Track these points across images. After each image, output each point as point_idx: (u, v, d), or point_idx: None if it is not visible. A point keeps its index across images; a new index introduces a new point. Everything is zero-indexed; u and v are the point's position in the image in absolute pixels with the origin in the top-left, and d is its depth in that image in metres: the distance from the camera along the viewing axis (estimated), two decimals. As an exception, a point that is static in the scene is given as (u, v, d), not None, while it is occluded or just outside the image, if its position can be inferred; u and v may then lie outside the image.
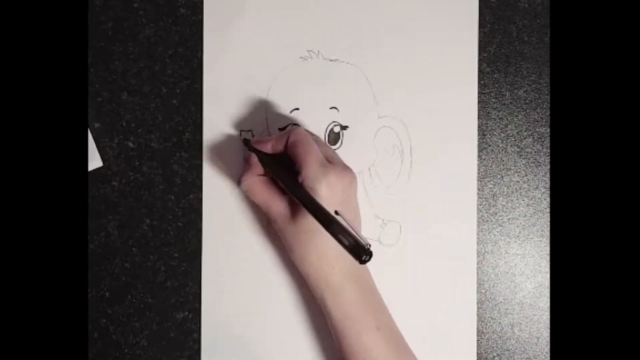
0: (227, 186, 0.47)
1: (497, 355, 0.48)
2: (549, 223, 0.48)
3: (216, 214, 0.47)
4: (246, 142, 0.45)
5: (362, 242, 0.35)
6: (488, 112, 0.48)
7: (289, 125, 0.47)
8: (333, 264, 0.42)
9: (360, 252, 0.35)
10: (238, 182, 0.44)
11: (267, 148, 0.44)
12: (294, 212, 0.42)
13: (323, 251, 0.41)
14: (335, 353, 0.44)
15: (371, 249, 0.35)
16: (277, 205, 0.43)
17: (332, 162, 0.42)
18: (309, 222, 0.40)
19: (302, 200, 0.39)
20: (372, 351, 0.41)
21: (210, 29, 0.48)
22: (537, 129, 0.48)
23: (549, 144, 0.48)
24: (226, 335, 0.47)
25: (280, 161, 0.43)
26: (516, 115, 0.48)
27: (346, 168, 0.42)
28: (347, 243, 0.35)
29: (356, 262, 0.37)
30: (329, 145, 0.47)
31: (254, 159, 0.44)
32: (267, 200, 0.43)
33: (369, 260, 0.34)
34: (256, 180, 0.43)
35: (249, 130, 0.47)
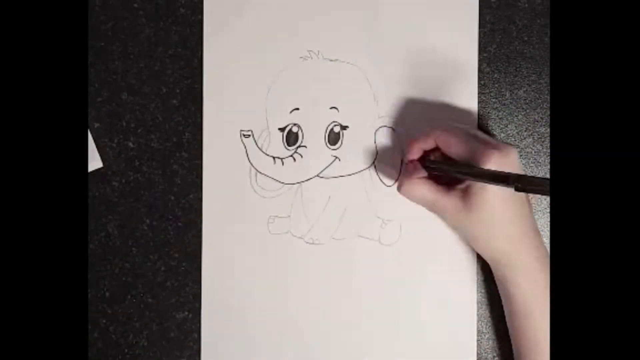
0: (227, 186, 0.47)
1: (497, 355, 0.48)
2: (549, 223, 0.48)
3: (216, 214, 0.47)
4: (410, 162, 0.45)
5: (541, 178, 0.35)
6: (488, 112, 0.48)
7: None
8: (518, 245, 0.42)
9: (543, 184, 0.35)
10: (399, 188, 0.45)
11: (419, 152, 0.44)
12: (467, 202, 0.41)
13: (509, 233, 0.41)
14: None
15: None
16: (445, 200, 0.43)
17: (490, 142, 0.42)
18: (485, 202, 0.40)
19: (480, 175, 0.39)
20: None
21: (210, 29, 0.48)
22: (537, 129, 0.48)
23: (549, 144, 0.48)
24: (226, 335, 0.47)
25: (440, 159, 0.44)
26: (516, 115, 0.48)
27: (508, 147, 0.41)
28: (538, 188, 0.35)
29: (539, 242, 0.41)
30: (478, 133, 0.45)
31: (414, 163, 0.45)
32: (432, 196, 0.43)
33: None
34: (416, 182, 0.44)
35: (248, 130, 0.47)
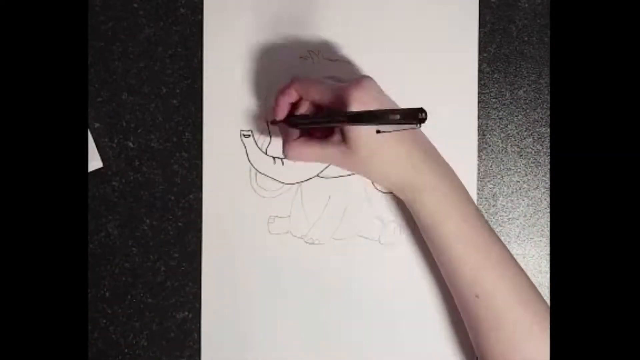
0: (227, 186, 0.47)
1: (497, 355, 0.48)
2: (549, 223, 0.48)
3: (216, 214, 0.47)
4: (273, 122, 0.45)
5: (411, 108, 0.35)
6: (488, 112, 0.48)
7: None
8: (410, 165, 0.42)
9: (415, 113, 0.34)
10: (285, 154, 0.43)
11: (285, 107, 0.44)
12: (348, 145, 0.41)
13: (395, 159, 0.42)
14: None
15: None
16: (328, 151, 0.42)
17: (345, 80, 0.42)
18: (365, 142, 0.40)
19: (342, 119, 0.39)
20: (459, 239, 0.42)
21: (210, 29, 0.48)
22: (537, 129, 0.48)
23: (549, 144, 0.48)
24: (226, 335, 0.47)
25: (306, 113, 0.44)
26: (516, 115, 0.48)
27: (363, 76, 0.42)
28: (398, 117, 0.35)
29: (436, 159, 0.42)
30: (331, 76, 0.45)
31: (284, 127, 0.44)
32: (317, 151, 0.42)
33: (425, 118, 0.34)
34: (297, 143, 0.43)
35: (248, 130, 0.47)
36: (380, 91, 0.42)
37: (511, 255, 0.43)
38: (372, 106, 0.40)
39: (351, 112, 0.39)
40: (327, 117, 0.41)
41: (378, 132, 0.37)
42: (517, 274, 0.42)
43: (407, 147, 0.42)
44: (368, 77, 0.42)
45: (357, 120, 0.37)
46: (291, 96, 0.43)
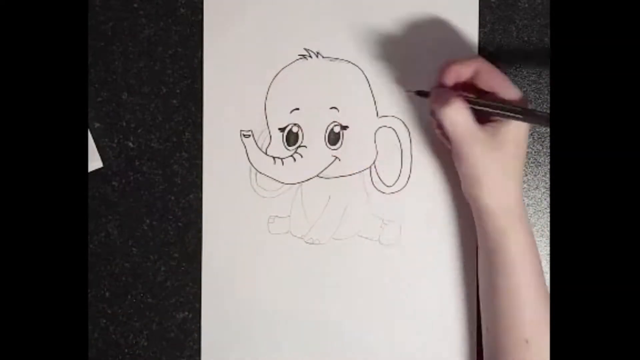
0: (227, 186, 0.47)
1: (497, 355, 0.48)
2: (549, 223, 0.48)
3: (216, 214, 0.47)
4: (421, 93, 0.44)
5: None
6: (488, 112, 0.48)
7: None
8: (519, 194, 0.42)
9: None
10: (439, 111, 0.41)
11: (453, 78, 0.43)
12: (498, 138, 0.41)
13: (520, 179, 0.42)
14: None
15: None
16: (480, 133, 0.41)
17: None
18: (516, 140, 0.41)
19: (514, 111, 0.41)
20: (532, 284, 0.41)
21: (210, 29, 0.48)
22: (537, 129, 0.48)
23: (549, 144, 0.48)
24: (226, 335, 0.47)
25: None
26: (516, 115, 0.48)
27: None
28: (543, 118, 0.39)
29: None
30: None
31: (445, 89, 0.43)
32: (470, 125, 0.41)
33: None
34: (459, 106, 0.41)
35: (248, 130, 0.47)
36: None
37: None
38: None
39: (535, 110, 0.41)
40: (503, 106, 0.41)
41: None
42: None
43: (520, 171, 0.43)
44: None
45: (530, 117, 0.40)
46: (468, 72, 0.42)
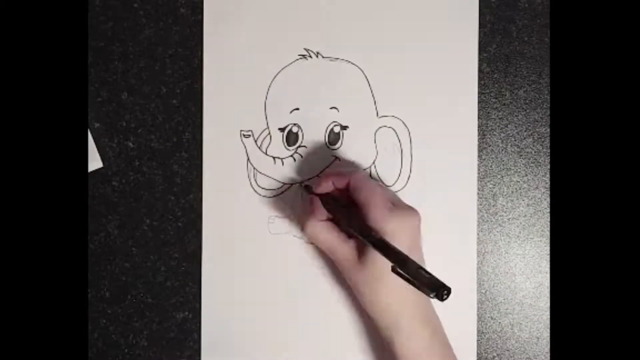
0: (227, 186, 0.47)
1: (497, 355, 0.48)
2: (549, 223, 0.48)
3: (216, 214, 0.47)
4: (307, 188, 0.46)
5: (439, 279, 0.34)
6: (488, 112, 0.48)
7: (333, 162, 0.47)
8: (404, 307, 0.41)
9: (440, 288, 0.33)
10: (301, 227, 0.43)
11: (328, 188, 0.43)
12: (361, 256, 0.41)
13: (394, 295, 0.41)
14: None
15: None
16: (343, 250, 0.42)
17: (395, 204, 0.42)
18: (378, 266, 0.40)
19: (372, 241, 0.38)
20: None
21: (210, 29, 0.48)
22: (537, 129, 0.48)
23: (549, 144, 0.48)
24: (226, 335, 0.47)
25: (343, 204, 0.43)
26: (516, 115, 0.48)
27: (411, 209, 0.42)
28: (425, 280, 0.34)
29: (425, 304, 0.39)
30: (388, 188, 0.46)
31: (318, 203, 0.43)
32: (332, 245, 0.42)
33: (447, 297, 0.33)
34: (321, 225, 0.43)
35: (248, 130, 0.47)
36: (419, 232, 0.42)
37: None
38: (405, 244, 0.39)
39: (384, 241, 0.38)
40: (360, 227, 0.40)
41: (394, 270, 0.36)
42: None
43: (412, 294, 0.40)
44: (416, 214, 0.42)
45: (384, 251, 0.37)
46: (341, 182, 0.43)
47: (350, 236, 0.43)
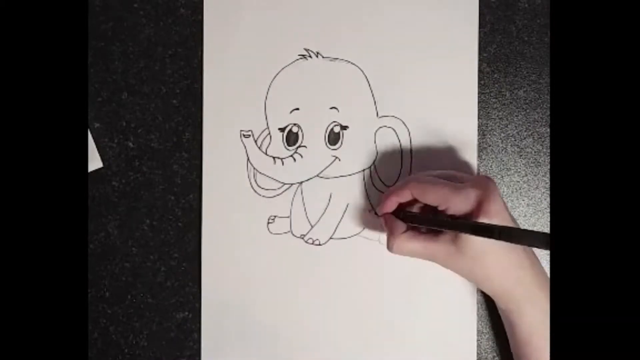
0: (226, 186, 0.47)
1: (497, 355, 0.48)
2: (549, 223, 0.48)
3: (216, 214, 0.47)
4: (374, 213, 0.46)
5: (544, 233, 0.34)
6: (488, 112, 0.48)
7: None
8: (516, 276, 0.41)
9: (542, 238, 0.34)
10: (389, 248, 0.43)
11: (393, 206, 0.43)
12: (457, 245, 0.41)
13: (502, 267, 0.41)
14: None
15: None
16: (437, 248, 0.42)
17: (462, 181, 0.42)
18: (477, 247, 0.40)
19: (463, 227, 0.39)
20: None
21: (210, 29, 0.48)
22: (537, 129, 0.48)
23: (549, 144, 0.48)
24: (226, 336, 0.47)
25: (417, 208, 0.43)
26: (516, 115, 0.48)
27: (480, 179, 0.41)
28: (533, 238, 0.34)
29: (536, 270, 0.41)
30: (446, 171, 0.45)
31: (391, 218, 0.43)
32: (424, 249, 0.42)
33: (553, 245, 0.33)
34: (403, 238, 0.42)
35: (248, 130, 0.47)
36: (501, 197, 0.41)
37: None
38: (498, 219, 0.39)
39: (480, 224, 0.38)
40: (448, 222, 0.40)
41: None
42: None
43: (518, 257, 0.41)
44: (492, 182, 0.41)
45: (484, 233, 0.37)
46: (404, 197, 0.43)
47: (436, 233, 0.42)
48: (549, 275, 0.43)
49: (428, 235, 0.42)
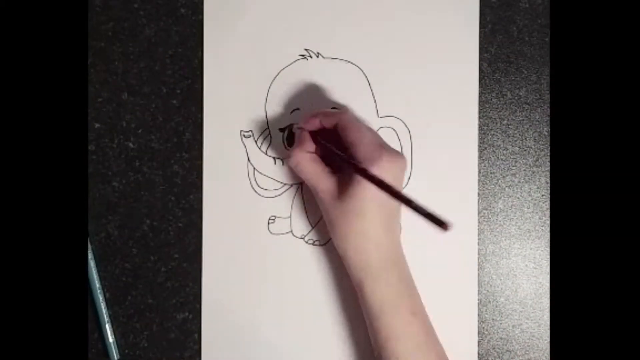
0: (227, 186, 0.47)
1: (498, 355, 0.48)
2: (549, 223, 0.48)
3: (216, 214, 0.47)
4: (299, 127, 0.45)
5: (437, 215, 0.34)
6: (488, 112, 0.48)
7: (292, 125, 0.47)
8: (374, 247, 0.41)
9: (440, 221, 0.33)
10: (287, 157, 0.44)
11: (315, 125, 0.44)
12: (341, 191, 0.41)
13: (366, 233, 0.41)
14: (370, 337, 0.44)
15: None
16: (325, 183, 0.42)
17: (383, 147, 0.42)
18: (357, 203, 0.40)
19: (366, 174, 0.39)
20: (406, 335, 0.41)
21: (210, 29, 0.48)
22: (537, 129, 0.48)
23: (549, 144, 0.48)
24: (226, 336, 0.47)
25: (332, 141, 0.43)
26: (517, 115, 0.48)
27: (398, 154, 0.42)
28: (426, 212, 0.34)
29: (394, 248, 0.41)
30: (377, 133, 0.46)
31: (307, 136, 0.44)
32: (315, 176, 0.43)
33: (450, 228, 0.33)
34: (306, 156, 0.43)
35: (249, 131, 0.47)
36: (403, 177, 0.42)
37: (446, 358, 0.43)
38: (390, 180, 0.39)
39: (379, 178, 0.38)
40: (353, 165, 0.40)
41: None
42: None
43: (390, 228, 0.42)
44: (403, 158, 0.42)
45: (380, 185, 0.37)
46: (330, 122, 0.43)
47: (333, 172, 0.43)
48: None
49: (325, 168, 0.43)
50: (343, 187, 0.41)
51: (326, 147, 0.43)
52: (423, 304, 0.43)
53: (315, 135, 0.44)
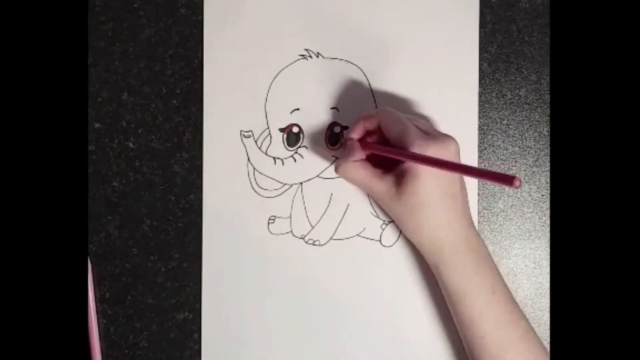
0: (227, 186, 0.47)
1: (498, 355, 0.47)
2: (549, 223, 0.48)
3: (216, 214, 0.47)
4: (337, 136, 0.47)
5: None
6: (489, 112, 0.48)
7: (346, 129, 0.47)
8: (445, 234, 0.42)
9: (508, 177, 0.33)
10: (336, 168, 0.44)
11: (360, 131, 0.44)
12: (400, 189, 0.42)
13: (436, 220, 0.42)
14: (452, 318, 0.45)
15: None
16: (378, 185, 0.43)
17: (430, 133, 0.42)
18: (419, 197, 0.41)
19: (421, 160, 0.39)
20: (489, 314, 0.42)
21: (210, 29, 0.48)
22: (537, 129, 0.48)
23: (549, 144, 0.48)
24: (226, 336, 0.47)
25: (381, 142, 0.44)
26: (517, 115, 0.48)
27: (447, 137, 0.42)
28: (492, 173, 0.34)
29: (466, 231, 0.42)
30: (423, 118, 0.46)
31: (355, 144, 0.44)
32: (367, 180, 0.43)
33: (520, 184, 0.32)
34: (354, 164, 0.43)
35: (249, 131, 0.47)
36: (459, 159, 0.42)
37: (534, 331, 0.43)
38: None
39: (435, 158, 0.38)
40: (407, 154, 0.40)
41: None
42: (539, 351, 0.42)
43: (458, 212, 0.42)
44: (454, 140, 0.42)
45: (438, 164, 0.38)
46: (371, 124, 0.44)
47: (384, 172, 0.43)
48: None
49: (377, 170, 0.43)
50: (400, 184, 0.42)
51: (376, 147, 0.43)
52: (503, 281, 0.43)
53: (361, 141, 0.44)
